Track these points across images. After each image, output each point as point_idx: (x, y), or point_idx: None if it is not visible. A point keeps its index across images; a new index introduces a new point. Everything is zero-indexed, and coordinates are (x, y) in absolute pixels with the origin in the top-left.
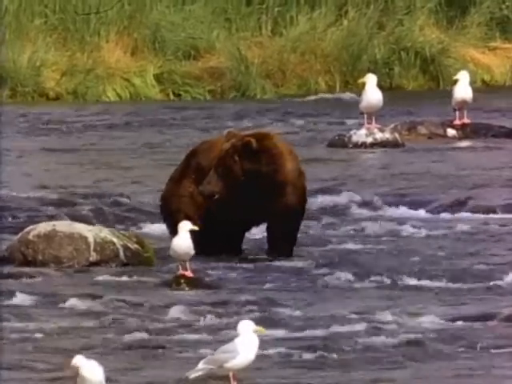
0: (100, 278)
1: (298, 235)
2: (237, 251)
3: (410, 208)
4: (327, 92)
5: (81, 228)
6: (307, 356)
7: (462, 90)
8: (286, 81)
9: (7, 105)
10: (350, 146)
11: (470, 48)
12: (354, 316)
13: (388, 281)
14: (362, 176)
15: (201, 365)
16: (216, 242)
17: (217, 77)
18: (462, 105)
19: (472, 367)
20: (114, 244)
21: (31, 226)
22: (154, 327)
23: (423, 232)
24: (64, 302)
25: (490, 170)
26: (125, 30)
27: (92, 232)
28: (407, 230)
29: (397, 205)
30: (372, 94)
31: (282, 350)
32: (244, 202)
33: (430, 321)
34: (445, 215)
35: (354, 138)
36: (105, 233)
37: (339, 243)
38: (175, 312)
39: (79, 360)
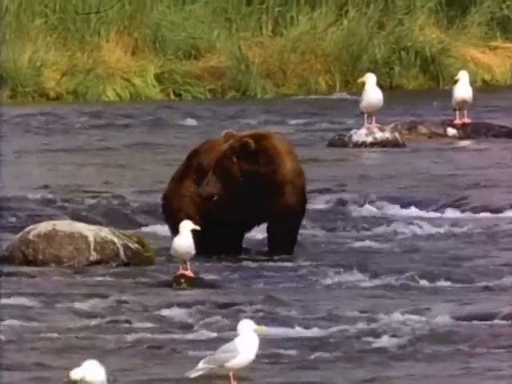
0: (100, 277)
1: (299, 235)
2: (237, 251)
3: (411, 207)
4: (327, 92)
5: (81, 227)
6: (308, 356)
7: (462, 89)
8: (287, 80)
9: (7, 105)
10: (351, 145)
11: (471, 48)
12: (354, 316)
13: (388, 280)
14: (362, 176)
15: (201, 364)
16: (216, 241)
17: (217, 76)
18: (462, 104)
19: (472, 367)
20: (114, 243)
21: (31, 226)
22: (154, 327)
23: (423, 232)
24: (64, 301)
25: (490, 170)
26: (125, 30)
27: (92, 231)
28: (407, 229)
29: (397, 204)
30: (372, 93)
31: (283, 349)
32: (243, 203)
33: (430, 320)
34: (445, 215)
35: (355, 138)
36: (105, 232)
37: (339, 243)
38: (175, 311)
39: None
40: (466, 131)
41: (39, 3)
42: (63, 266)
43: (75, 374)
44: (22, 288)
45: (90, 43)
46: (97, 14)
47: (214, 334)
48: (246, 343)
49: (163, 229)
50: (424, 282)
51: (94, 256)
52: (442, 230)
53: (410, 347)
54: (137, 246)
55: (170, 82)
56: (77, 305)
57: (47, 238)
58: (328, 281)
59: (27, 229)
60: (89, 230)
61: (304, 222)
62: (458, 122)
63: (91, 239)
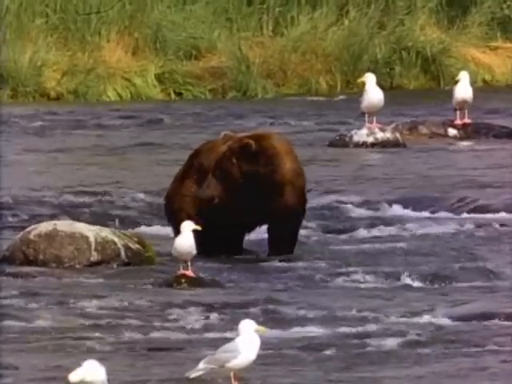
0: (101, 277)
1: (299, 235)
2: (238, 251)
3: (411, 208)
4: (328, 92)
5: (82, 228)
6: (309, 356)
7: (463, 89)
8: (287, 80)
9: (8, 105)
10: (351, 145)
11: (471, 48)
12: (354, 316)
13: (388, 281)
14: (363, 176)
15: (201, 364)
16: (217, 242)
17: (218, 76)
18: (463, 105)
19: (473, 367)
20: (115, 244)
21: (32, 226)
22: (154, 327)
23: (424, 232)
24: (65, 301)
25: (491, 170)
26: (126, 30)
27: (93, 232)
28: (408, 229)
29: (398, 204)
30: (373, 93)
31: (284, 349)
32: (244, 204)
33: (430, 320)
34: (445, 215)
35: (355, 138)
36: (106, 232)
37: (340, 243)
38: (176, 311)
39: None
40: (467, 131)
41: (40, 3)
42: (64, 266)
43: (74, 376)
44: (23, 288)
45: (90, 43)
46: (97, 14)
47: (215, 334)
48: (246, 343)
49: (164, 229)
50: (424, 282)
51: (94, 256)
52: (442, 230)
53: (410, 347)
54: (137, 246)
55: (170, 82)
56: (77, 305)
57: (48, 238)
58: (328, 281)
59: (28, 229)
60: (89, 230)
61: (304, 222)
62: (458, 122)
63: (92, 239)
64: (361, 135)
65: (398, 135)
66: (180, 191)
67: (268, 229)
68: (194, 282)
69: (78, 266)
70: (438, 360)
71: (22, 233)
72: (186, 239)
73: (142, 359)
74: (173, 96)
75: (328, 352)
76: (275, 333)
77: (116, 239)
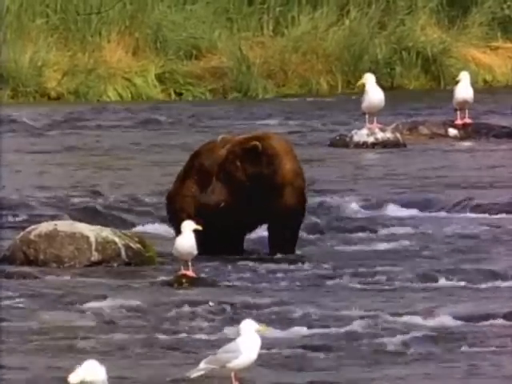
0: (101, 277)
1: (300, 235)
2: (238, 251)
3: (411, 208)
4: (329, 92)
5: (82, 228)
6: (309, 356)
7: (463, 90)
8: (288, 81)
9: (9, 105)
10: (352, 145)
11: (472, 48)
12: (355, 316)
13: (389, 281)
14: (363, 176)
15: (202, 364)
16: (218, 242)
17: (218, 76)
18: (463, 105)
19: (473, 367)
20: (115, 244)
21: (33, 226)
22: (155, 327)
23: (424, 232)
24: (65, 301)
25: (491, 170)
26: (126, 30)
27: (93, 232)
28: (408, 229)
29: (398, 204)
30: (374, 93)
31: (284, 349)
32: (247, 205)
33: (430, 321)
34: (446, 215)
35: (356, 138)
36: (106, 232)
37: (340, 243)
38: (177, 311)
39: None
40: (467, 131)
41: (40, 3)
42: (64, 266)
43: (75, 376)
44: (23, 288)
45: (91, 43)
46: (98, 14)
47: (216, 334)
48: (247, 343)
49: (164, 229)
50: (424, 282)
51: (95, 256)
52: (442, 231)
53: (411, 347)
54: (138, 246)
55: (171, 82)
56: (78, 305)
57: (48, 238)
58: (329, 281)
59: (28, 229)
60: (90, 230)
61: (305, 222)
62: (459, 122)
63: (92, 239)
64: (361, 135)
65: (398, 135)
66: (181, 191)
67: (268, 229)
68: (195, 282)
69: (78, 266)
70: (438, 360)
71: (22, 233)
72: (186, 239)
73: (142, 359)
74: (173, 96)
75: (328, 352)
76: (276, 333)
77: (116, 239)
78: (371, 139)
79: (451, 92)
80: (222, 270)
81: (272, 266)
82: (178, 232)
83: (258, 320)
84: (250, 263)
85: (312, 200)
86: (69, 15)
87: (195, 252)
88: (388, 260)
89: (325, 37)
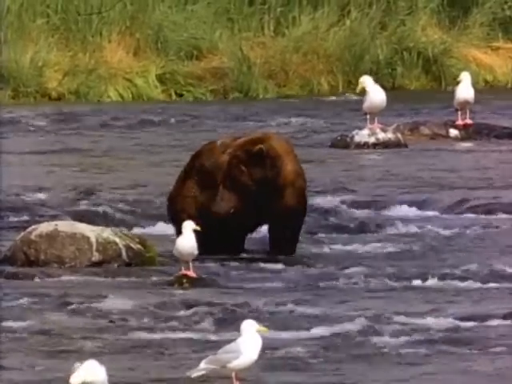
0: (102, 277)
1: (300, 235)
2: (239, 252)
3: (412, 208)
4: (330, 92)
5: (83, 228)
6: (310, 356)
7: (464, 90)
8: (289, 81)
9: (9, 105)
10: (353, 146)
11: (473, 48)
12: (355, 316)
13: (389, 281)
14: (364, 176)
15: (203, 364)
16: (219, 242)
17: (219, 77)
18: (464, 105)
19: (473, 367)
20: (116, 244)
21: (33, 226)
22: (156, 327)
23: (425, 232)
24: (66, 302)
25: (492, 171)
26: (127, 30)
27: (94, 232)
28: (409, 230)
29: (399, 205)
30: (375, 94)
31: (285, 349)
32: (254, 209)
33: (431, 321)
34: (447, 215)
35: (357, 139)
36: (107, 233)
37: (341, 243)
38: (177, 312)
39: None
40: (468, 132)
41: (41, 3)
42: (65, 266)
43: (76, 378)
44: (24, 288)
45: (91, 43)
46: (99, 14)
47: (216, 335)
48: (248, 344)
49: (165, 229)
50: (425, 282)
51: (95, 256)
52: (444, 231)
53: (411, 348)
54: (139, 246)
55: (171, 82)
56: (78, 305)
57: (49, 238)
58: (329, 281)
59: (29, 229)
60: (91, 231)
61: (305, 222)
62: (460, 122)
63: (93, 240)
64: (362, 136)
65: (399, 136)
66: (182, 192)
67: (269, 229)
68: (196, 283)
69: (79, 267)
70: (438, 360)
71: (23, 233)
72: (187, 239)
73: (142, 359)
74: (174, 97)
75: (329, 352)
76: (277, 333)
77: (117, 239)
78: (372, 139)
79: (452, 92)
80: (223, 271)
81: (273, 266)
82: (179, 232)
83: (259, 320)
84: (251, 263)
85: (313, 200)
86: (69, 15)
87: (196, 252)
88: (388, 260)
89: (326, 37)
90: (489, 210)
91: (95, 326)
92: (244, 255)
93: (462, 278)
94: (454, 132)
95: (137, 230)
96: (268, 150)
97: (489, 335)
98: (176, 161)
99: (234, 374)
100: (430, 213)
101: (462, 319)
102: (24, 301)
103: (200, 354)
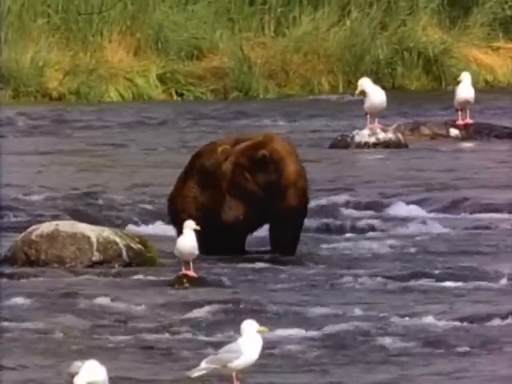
0: (102, 277)
1: (301, 235)
2: (240, 251)
3: (413, 208)
4: (330, 92)
5: (83, 228)
6: (311, 356)
7: (465, 90)
8: (289, 81)
9: (10, 105)
10: (353, 146)
11: (473, 48)
12: (355, 316)
13: (389, 281)
14: (364, 176)
15: (203, 364)
16: (219, 242)
17: (220, 77)
18: (465, 105)
19: (473, 367)
20: (116, 244)
21: (34, 226)
22: (156, 327)
23: (426, 232)
24: (66, 301)
25: (493, 171)
26: (127, 30)
27: (95, 232)
28: (410, 230)
29: (399, 205)
30: (375, 94)
31: (286, 349)
32: (260, 212)
33: (431, 321)
34: (448, 215)
35: (357, 139)
36: (107, 233)
37: (341, 243)
38: (178, 312)
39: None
40: (469, 132)
41: (41, 3)
42: (66, 266)
43: (79, 379)
44: (24, 288)
45: (92, 43)
46: (99, 14)
47: (217, 334)
48: (249, 343)
49: (165, 229)
50: (424, 282)
51: (96, 256)
52: (444, 231)
53: (411, 348)
54: (139, 246)
55: (172, 82)
56: (79, 305)
57: (50, 238)
58: (330, 281)
59: (29, 229)
60: (91, 231)
61: (306, 222)
62: (460, 122)
63: (94, 239)
64: (363, 136)
65: (399, 136)
66: (182, 192)
67: (270, 229)
68: (196, 283)
69: (79, 267)
70: (438, 361)
71: (23, 233)
72: (188, 239)
73: (143, 359)
74: (174, 96)
75: (329, 352)
76: (277, 333)
77: (118, 239)
78: (373, 139)
79: (452, 92)
80: (224, 270)
81: (273, 266)
82: (179, 232)
83: (259, 320)
84: (252, 263)
85: (313, 200)
86: (70, 15)
87: (196, 252)
88: (389, 260)
89: (326, 37)
90: (489, 209)
91: (95, 325)
92: (245, 255)
93: (462, 278)
94: (454, 132)
95: (137, 230)
96: (271, 153)
97: (489, 335)
98: (176, 161)
99: (234, 374)
100: (431, 213)
101: (462, 319)
102: (24, 301)
103: (200, 354)
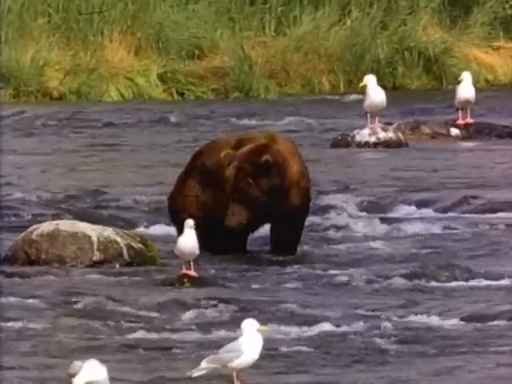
0: (103, 277)
1: (302, 235)
2: (241, 250)
3: (413, 208)
4: (331, 92)
5: (84, 227)
6: (311, 355)
7: (465, 89)
8: (290, 80)
9: (10, 104)
10: (354, 145)
11: (474, 48)
12: (356, 316)
13: (389, 281)
14: (365, 176)
15: (204, 364)
16: (220, 242)
17: (220, 76)
18: (465, 104)
19: (473, 367)
20: (117, 243)
21: (34, 226)
22: (157, 326)
23: (426, 231)
24: (67, 301)
25: (493, 170)
26: (128, 30)
27: (95, 231)
28: (410, 229)
29: (400, 204)
30: (375, 93)
31: (286, 349)
32: (263, 214)
33: (431, 321)
34: (448, 215)
35: (358, 138)
36: (108, 232)
37: (342, 243)
38: (178, 311)
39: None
40: (469, 131)
41: (42, 3)
42: (66, 265)
43: (79, 379)
44: (25, 288)
45: (93, 43)
46: (100, 13)
47: (217, 334)
48: (249, 343)
49: (166, 229)
50: (424, 282)
51: (97, 256)
52: (444, 230)
53: (411, 348)
54: (140, 245)
55: (173, 81)
56: (79, 304)
57: (50, 237)
58: (330, 281)
59: (30, 229)
60: (92, 230)
61: (307, 222)
62: (460, 122)
63: (94, 239)
64: (363, 135)
65: (400, 135)
66: (183, 191)
67: (272, 229)
68: (197, 282)
69: (80, 266)
70: (438, 361)
71: (24, 233)
72: (188, 239)
73: (143, 359)
74: (175, 96)
75: (329, 352)
76: (278, 332)
77: (118, 239)
78: (373, 139)
79: (453, 92)
80: (224, 270)
81: (274, 265)
82: (180, 232)
83: (260, 320)
84: (252, 263)
85: (314, 200)
86: (70, 14)
87: (197, 252)
88: (389, 260)
89: (327, 36)
90: (490, 209)
91: (95, 325)
92: (245, 254)
93: (462, 278)
94: (454, 131)
95: (138, 230)
96: (274, 157)
97: (488, 335)
98: (177, 160)
99: (235, 374)
100: (431, 212)
101: (463, 319)
102: (24, 300)
103: (201, 354)
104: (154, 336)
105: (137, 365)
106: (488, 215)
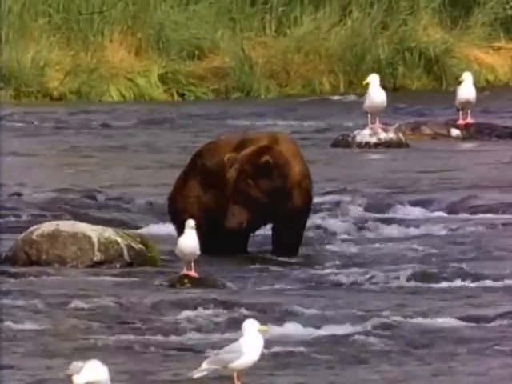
0: (104, 277)
1: (303, 235)
2: (242, 251)
3: (414, 208)
4: (331, 92)
5: (85, 228)
6: (312, 356)
7: (466, 90)
8: (290, 81)
9: (11, 105)
10: (354, 146)
11: (474, 48)
12: (356, 316)
13: (389, 281)
14: (365, 176)
15: (204, 365)
16: (221, 242)
17: (221, 77)
18: (466, 105)
19: (472, 367)
20: (118, 244)
21: (35, 226)
22: (157, 327)
23: (427, 232)
24: (67, 301)
25: (494, 170)
26: (129, 30)
27: (96, 232)
28: (411, 230)
29: (400, 205)
30: (376, 94)
31: (287, 349)
32: (264, 216)
33: (431, 321)
34: (448, 215)
35: (358, 138)
36: (109, 232)
37: (342, 243)
38: (179, 312)
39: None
40: (470, 132)
41: (42, 3)
42: (67, 266)
43: (79, 379)
44: (25, 288)
45: (93, 43)
46: (100, 13)
47: (218, 335)
48: (250, 343)
49: (167, 229)
50: (425, 282)
51: (97, 256)
52: (444, 231)
53: (411, 348)
54: (140, 246)
55: (173, 82)
56: (80, 305)
57: (51, 238)
58: (331, 281)
59: (30, 229)
60: (92, 231)
61: (308, 222)
62: (461, 122)
63: (95, 239)
64: (364, 135)
65: (400, 135)
66: (183, 192)
67: (273, 229)
68: (197, 283)
69: (80, 266)
70: (438, 361)
71: (24, 233)
72: (189, 239)
73: (144, 359)
74: (176, 96)
75: (330, 352)
76: (278, 333)
77: (119, 239)
78: (374, 139)
79: (454, 92)
80: (225, 271)
81: (275, 266)
82: (180, 232)
83: (261, 320)
84: (253, 263)
85: (314, 200)
86: (71, 15)
87: (198, 252)
88: (389, 260)
89: (327, 37)
90: (490, 209)
91: (96, 325)
92: (247, 255)
93: (462, 278)
94: (455, 132)
95: (138, 230)
96: (275, 158)
97: (489, 335)
98: (177, 160)
99: (235, 374)
100: (432, 213)
101: (462, 319)
102: (25, 301)
103: (202, 354)
104: (154, 337)
105: (137, 366)
106: (489, 215)
